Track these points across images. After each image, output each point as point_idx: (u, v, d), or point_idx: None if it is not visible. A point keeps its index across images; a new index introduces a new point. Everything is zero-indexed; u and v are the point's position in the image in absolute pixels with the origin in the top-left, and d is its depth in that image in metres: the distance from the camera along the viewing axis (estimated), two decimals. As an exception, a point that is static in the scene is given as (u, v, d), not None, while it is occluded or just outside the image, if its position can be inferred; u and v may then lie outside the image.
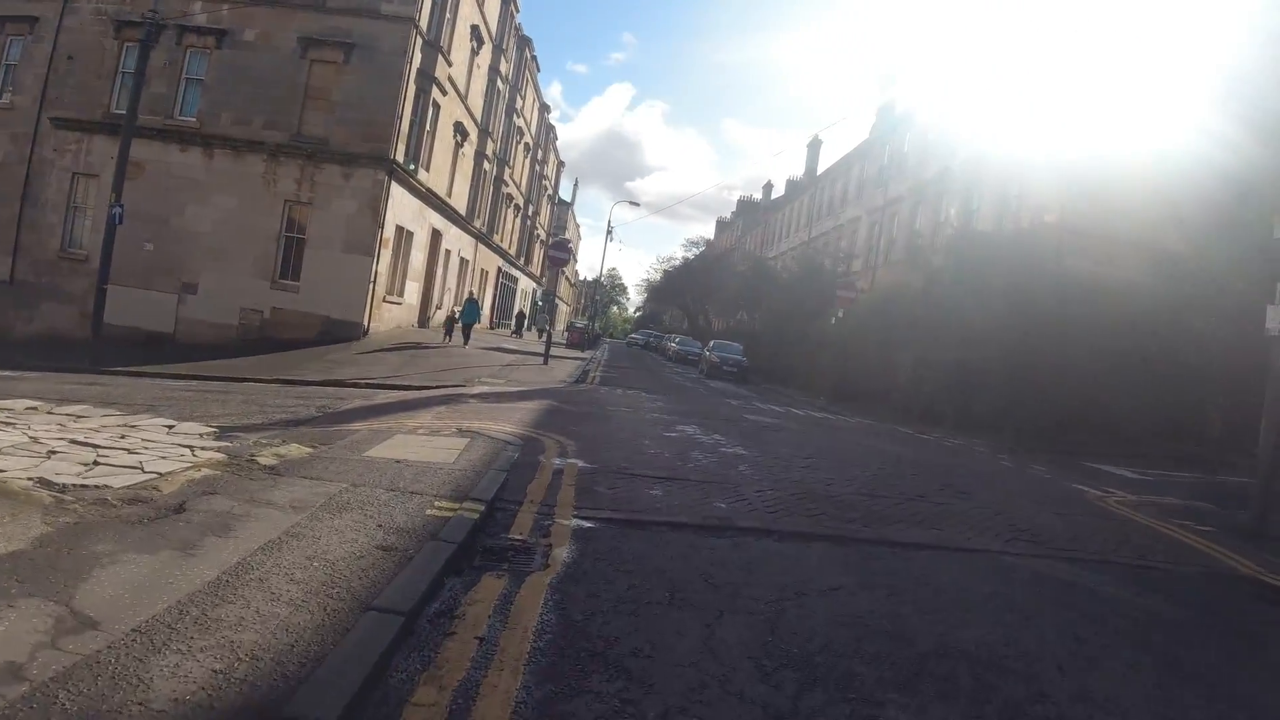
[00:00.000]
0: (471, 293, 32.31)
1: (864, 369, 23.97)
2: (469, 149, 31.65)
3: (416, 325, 27.49)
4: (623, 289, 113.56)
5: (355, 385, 14.66)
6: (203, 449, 6.47)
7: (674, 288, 57.53)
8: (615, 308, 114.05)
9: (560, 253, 27.61)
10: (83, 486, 4.85)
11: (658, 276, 64.08)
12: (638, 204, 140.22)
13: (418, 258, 26.40)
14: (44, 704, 2.41)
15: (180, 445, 6.55)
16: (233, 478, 5.53)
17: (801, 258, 39.25)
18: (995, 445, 15.06)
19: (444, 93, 26.02)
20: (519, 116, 42.20)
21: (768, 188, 67.16)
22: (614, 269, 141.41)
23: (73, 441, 6.23)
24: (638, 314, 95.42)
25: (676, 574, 4.57)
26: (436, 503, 5.34)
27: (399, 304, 25.24)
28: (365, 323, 22.05)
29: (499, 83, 35.30)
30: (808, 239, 43.14)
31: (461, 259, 33.45)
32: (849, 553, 5.55)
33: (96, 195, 21.78)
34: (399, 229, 23.96)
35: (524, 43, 40.82)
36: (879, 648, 3.79)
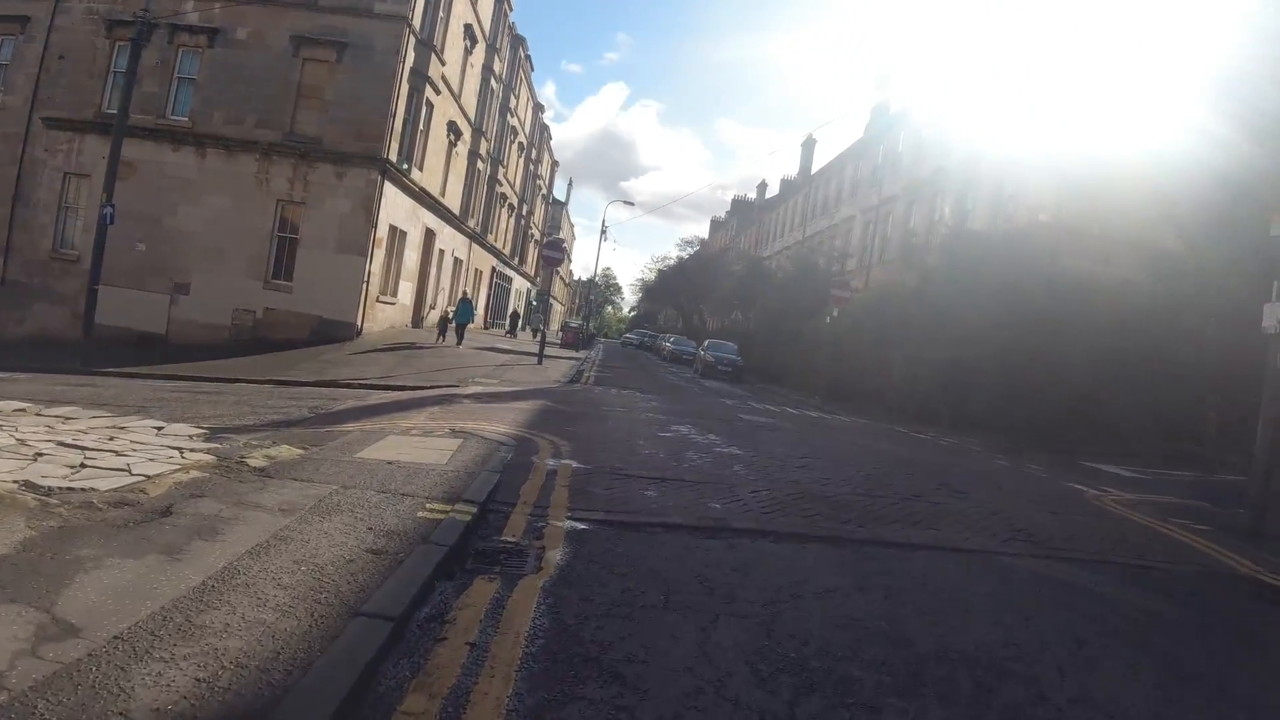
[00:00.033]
0: (465, 293, 32.22)
1: (859, 368, 23.96)
2: (463, 148, 31.56)
3: (410, 325, 27.40)
4: (617, 289, 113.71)
5: (348, 386, 14.57)
6: (192, 451, 6.39)
7: (669, 287, 57.46)
8: (610, 307, 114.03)
9: (554, 252, 27.51)
10: (69, 489, 4.77)
11: (652, 276, 64.07)
12: (632, 204, 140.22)
13: (411, 257, 26.31)
14: (23, 713, 2.34)
15: (169, 447, 6.46)
16: (221, 480, 5.46)
17: (796, 257, 39.24)
18: (990, 444, 15.05)
19: (437, 92, 25.95)
20: (513, 116, 42.11)
21: (762, 187, 67.13)
22: (609, 269, 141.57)
23: (60, 444, 6.15)
24: (632, 314, 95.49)
25: (671, 576, 4.51)
26: (428, 505, 5.28)
27: (392, 304, 25.14)
28: (359, 323, 21.95)
29: (493, 82, 35.22)
30: (802, 238, 43.13)
31: (455, 259, 33.36)
32: (845, 554, 5.50)
33: (88, 195, 21.68)
34: (392, 229, 23.86)
35: (518, 42, 40.74)
36: (877, 651, 3.74)
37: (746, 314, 42.75)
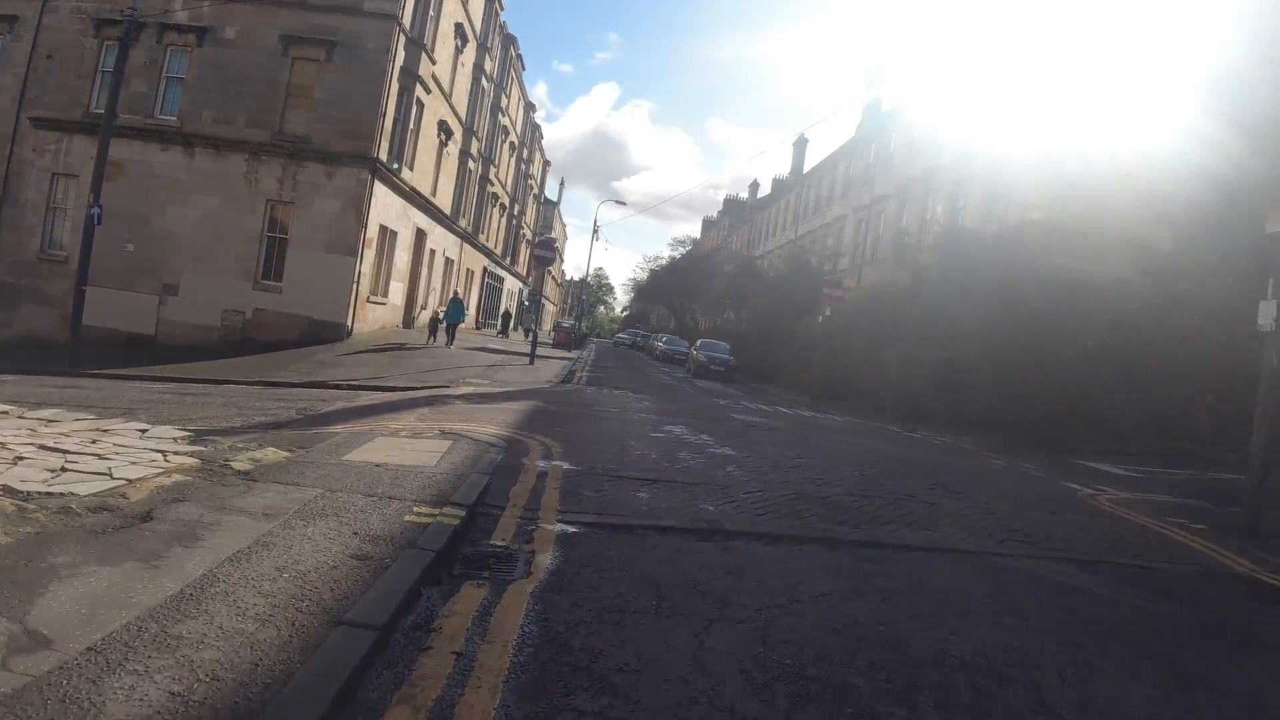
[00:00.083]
0: (456, 293, 32.06)
1: (851, 367, 23.93)
2: (453, 148, 31.41)
3: (401, 326, 27.23)
4: (609, 289, 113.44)
5: (338, 387, 14.46)
6: (175, 454, 6.28)
7: (661, 287, 57.44)
8: (602, 307, 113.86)
9: (545, 252, 27.45)
10: (47, 494, 4.66)
11: (644, 276, 64.13)
12: (624, 203, 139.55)
13: (402, 257, 26.15)
14: (-14, 731, 2.25)
15: (153, 450, 6.34)
16: (205, 484, 5.35)
17: (788, 256, 39.26)
18: (985, 443, 15.02)
19: (428, 91, 25.79)
20: (504, 115, 41.95)
21: (754, 187, 67.19)
22: (601, 268, 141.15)
23: (41, 447, 6.03)
24: (624, 313, 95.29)
25: (664, 580, 4.42)
26: (415, 508, 5.18)
27: (383, 304, 24.98)
28: (349, 323, 21.80)
29: (483, 81, 35.06)
30: (794, 237, 43.13)
31: (446, 259, 33.19)
32: (841, 556, 5.43)
33: (76, 196, 21.46)
34: (383, 228, 23.71)
35: (509, 41, 40.58)
36: (874, 657, 3.67)
37: (739, 313, 42.73)
